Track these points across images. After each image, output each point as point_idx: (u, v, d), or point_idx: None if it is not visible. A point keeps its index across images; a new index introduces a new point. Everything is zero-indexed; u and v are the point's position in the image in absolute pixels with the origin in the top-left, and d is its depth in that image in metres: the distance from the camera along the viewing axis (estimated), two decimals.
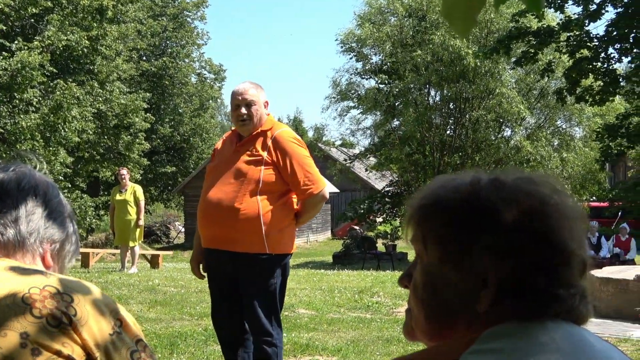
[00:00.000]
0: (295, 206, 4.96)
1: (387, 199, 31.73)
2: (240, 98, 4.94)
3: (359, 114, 33.08)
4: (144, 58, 41.37)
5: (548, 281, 1.26)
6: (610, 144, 24.45)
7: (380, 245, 28.45)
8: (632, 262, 19.45)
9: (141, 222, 14.87)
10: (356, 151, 37.45)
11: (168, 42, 42.65)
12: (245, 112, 4.90)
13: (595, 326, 10.68)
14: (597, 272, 12.80)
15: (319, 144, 45.22)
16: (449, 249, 1.31)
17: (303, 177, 4.87)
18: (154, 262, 17.42)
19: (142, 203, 14.86)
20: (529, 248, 1.26)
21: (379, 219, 32.37)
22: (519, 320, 1.25)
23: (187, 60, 43.28)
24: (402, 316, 10.33)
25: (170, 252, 25.91)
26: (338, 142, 43.27)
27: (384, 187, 33.61)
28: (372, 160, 34.33)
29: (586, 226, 1.34)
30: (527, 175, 1.37)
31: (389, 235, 29.39)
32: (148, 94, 34.57)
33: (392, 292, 12.49)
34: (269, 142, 4.88)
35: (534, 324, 1.24)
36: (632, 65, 24.23)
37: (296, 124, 69.98)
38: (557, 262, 1.27)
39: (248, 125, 4.93)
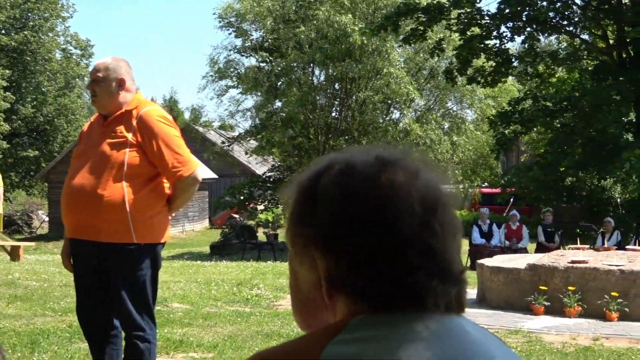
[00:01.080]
0: (168, 191, 4.87)
1: (268, 185, 31.76)
2: (92, 73, 4.91)
3: (238, 94, 33.00)
4: (3, 31, 40.10)
5: (404, 271, 1.26)
6: (505, 131, 25.19)
7: (261, 234, 28.49)
8: (524, 250, 20.16)
9: (0, 211, 14.46)
10: (236, 134, 37.28)
11: (30, 14, 41.34)
12: (94, 88, 4.85)
13: (487, 317, 11.00)
14: (488, 261, 13.18)
15: (196, 126, 44.81)
16: (294, 238, 1.36)
17: (172, 159, 4.76)
18: (14, 254, 16.94)
19: (1, 190, 14.41)
20: (366, 239, 1.26)
21: (260, 207, 32.38)
22: (387, 311, 1.26)
23: (50, 35, 42.13)
24: (283, 309, 10.37)
25: (32, 244, 25.25)
26: (216, 124, 43.05)
27: (266, 173, 33.64)
28: (253, 143, 34.26)
29: (454, 208, 1.34)
30: (388, 156, 1.35)
31: (270, 224, 29.48)
32: (7, 71, 33.57)
33: (273, 284, 12.51)
34: (134, 123, 4.77)
35: (405, 315, 1.26)
36: (525, 45, 25.03)
37: (171, 105, 69.17)
38: (413, 251, 1.26)
39: (97, 103, 4.87)
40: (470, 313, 11.26)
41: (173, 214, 5.04)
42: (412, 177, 1.30)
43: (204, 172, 42.25)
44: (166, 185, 4.85)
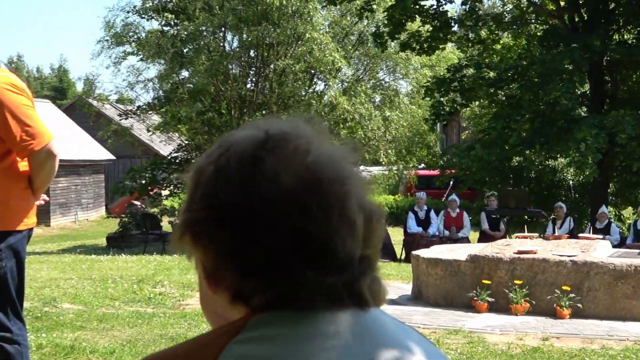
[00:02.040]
0: (27, 169, 4.79)
1: (174, 167, 31.51)
2: None
3: (138, 62, 32.52)
4: None
5: (278, 262, 1.29)
6: (442, 99, 25.41)
7: (166, 224, 28.29)
8: (465, 240, 20.44)
9: None
10: (136, 108, 36.88)
11: None
12: None
13: (423, 316, 11.12)
14: (425, 253, 13.32)
15: (90, 99, 44.18)
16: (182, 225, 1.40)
17: (20, 131, 4.65)
18: None
19: None
20: (235, 227, 1.30)
21: (165, 192, 32.15)
22: (294, 308, 1.30)
23: None
24: (191, 309, 10.33)
25: None
26: (113, 97, 42.43)
27: (171, 153, 33.38)
28: (156, 119, 33.93)
29: (356, 189, 1.36)
30: (277, 131, 1.37)
31: (176, 212, 29.24)
32: None
33: (180, 281, 12.45)
34: None
35: (313, 311, 1.30)
36: (466, 7, 25.23)
37: (61, 75, 68.17)
38: (285, 237, 1.29)
39: None
40: (405, 311, 11.37)
41: (41, 197, 4.95)
42: (294, 155, 1.32)
43: (98, 152, 41.88)
44: (25, 163, 4.77)
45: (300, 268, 1.29)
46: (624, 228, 24.59)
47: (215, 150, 1.39)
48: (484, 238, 19.63)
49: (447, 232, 20.72)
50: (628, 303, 11.35)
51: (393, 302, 12.49)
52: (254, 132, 1.38)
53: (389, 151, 30.48)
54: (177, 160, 32.10)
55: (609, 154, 21.95)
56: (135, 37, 31.92)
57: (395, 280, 15.50)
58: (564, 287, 11.30)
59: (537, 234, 16.02)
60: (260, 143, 1.34)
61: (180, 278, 12.76)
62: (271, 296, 1.30)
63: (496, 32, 26.61)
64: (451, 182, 23.80)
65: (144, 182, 31.05)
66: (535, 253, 11.99)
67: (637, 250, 13.85)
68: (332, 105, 29.44)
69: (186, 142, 32.72)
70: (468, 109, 33.12)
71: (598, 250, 12.40)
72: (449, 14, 25.47)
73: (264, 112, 30.01)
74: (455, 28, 25.95)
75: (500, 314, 11.34)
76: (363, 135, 29.41)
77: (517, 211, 21.19)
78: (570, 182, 24.23)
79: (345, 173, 1.34)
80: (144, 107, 33.31)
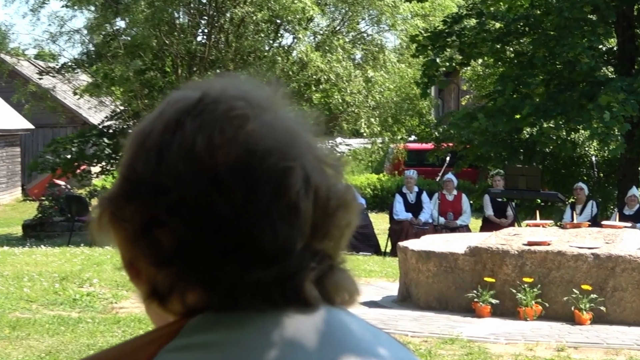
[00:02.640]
0: None
1: (106, 139, 31.41)
2: None
3: (63, 7, 32.35)
4: None
5: (193, 251, 1.30)
6: (437, 59, 25.36)
7: None
8: (465, 228, 20.50)
9: None
10: (60, 66, 36.67)
11: None
12: None
13: (411, 321, 11.16)
14: (415, 244, 13.35)
15: (1, 54, 43.93)
16: None
17: None
18: None
19: None
20: (144, 204, 1.32)
21: (95, 169, 32.04)
22: (236, 309, 1.31)
23: None
24: (125, 313, 10.31)
25: None
26: (31, 52, 42.26)
27: (103, 121, 33.24)
28: (85, 79, 33.78)
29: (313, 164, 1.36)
30: (214, 91, 1.38)
31: None
32: None
33: (113, 279, 12.42)
34: None
35: (257, 313, 1.32)
36: None
37: None
38: (198, 220, 1.30)
39: None
40: (389, 316, 11.42)
41: None
42: (224, 120, 1.32)
43: (12, 120, 41.60)
44: None
45: (218, 260, 1.29)
46: None
47: (150, 115, 1.40)
48: (488, 226, 19.66)
49: (442, 219, 20.78)
50: None
51: (375, 304, 12.52)
52: (190, 93, 1.38)
53: (372, 120, 30.44)
54: (110, 131, 31.96)
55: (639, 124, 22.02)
56: None
57: (379, 278, 15.55)
58: (584, 287, 11.37)
59: (552, 222, 16.07)
60: (189, 106, 1.34)
61: (112, 275, 12.72)
62: (195, 295, 1.31)
63: None
64: (447, 158, 23.69)
65: (69, 157, 30.92)
66: (549, 244, 12.06)
67: None
68: (302, 63, 29.37)
69: (121, 107, 32.57)
70: (469, 68, 33.10)
71: (626, 241, 12.47)
72: None
73: (217, 70, 29.89)
74: None
75: (506, 318, 11.41)
76: (340, 100, 29.38)
77: (528, 194, 21.27)
78: (594, 159, 24.19)
79: (291, 145, 1.33)
80: (69, 64, 33.10)
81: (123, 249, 1.36)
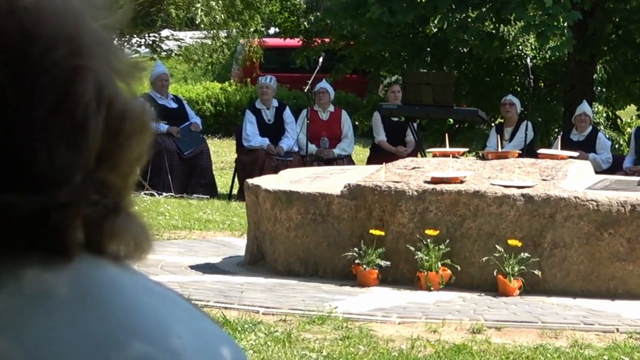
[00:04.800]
0: None
1: None
2: None
3: None
4: None
5: None
6: None
7: None
8: (347, 160, 20.52)
9: None
10: None
11: None
12: None
13: (264, 292, 11.15)
14: (269, 182, 13.29)
15: None
16: None
17: None
18: None
19: None
20: None
21: None
22: None
23: None
24: None
25: None
26: None
27: None
28: None
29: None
30: None
31: None
32: None
33: None
34: None
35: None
36: None
37: None
38: None
39: None
40: (233, 285, 11.40)
41: None
42: None
43: None
44: None
45: None
46: (619, 140, 25.09)
47: None
48: (379, 157, 19.59)
49: (313, 147, 20.73)
50: (619, 268, 11.56)
51: (213, 269, 12.51)
52: None
53: (213, 3, 30.41)
54: None
55: (595, 12, 22.21)
56: None
57: (219, 231, 15.54)
58: (511, 242, 11.43)
59: (466, 149, 16.12)
60: None
61: None
62: None
63: None
64: (321, 60, 23.59)
65: None
66: (462, 182, 12.08)
67: (636, 178, 14.09)
68: None
69: None
70: None
71: (571, 177, 12.56)
72: None
73: None
74: None
75: (401, 288, 11.47)
76: None
77: (437, 111, 21.31)
78: (529, 62, 24.36)
79: (80, 36, 1.27)
80: None
81: None
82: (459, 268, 11.55)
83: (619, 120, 29.61)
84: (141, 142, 1.34)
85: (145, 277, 1.40)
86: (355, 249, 11.74)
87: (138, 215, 1.36)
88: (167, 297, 1.40)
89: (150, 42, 30.92)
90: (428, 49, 25.59)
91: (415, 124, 21.33)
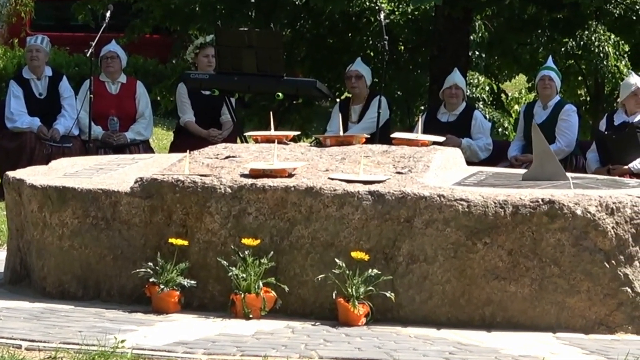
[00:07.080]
0: None
1: None
2: None
3: None
4: None
5: None
6: None
7: None
8: (143, 146, 20.55)
9: None
10: None
11: None
12: None
13: (26, 321, 11.09)
14: (36, 176, 13.24)
15: None
16: None
17: None
18: None
19: None
20: None
21: None
22: None
23: None
24: None
25: None
26: None
27: None
28: None
29: None
30: None
31: None
32: None
33: None
34: None
35: None
36: None
37: None
38: None
39: None
40: None
41: None
42: None
43: None
44: None
45: None
46: (504, 122, 25.48)
47: None
48: (185, 142, 19.71)
49: (98, 130, 20.66)
50: (497, 289, 11.63)
51: None
52: None
53: None
54: None
55: None
56: None
57: None
58: (356, 255, 11.46)
59: (298, 133, 16.12)
60: None
61: None
62: None
63: None
64: (107, 16, 23.50)
65: None
66: (291, 175, 12.10)
67: (523, 170, 14.19)
68: None
69: None
70: None
71: (435, 169, 12.63)
72: None
73: None
74: None
75: (210, 315, 11.46)
76: None
77: (262, 82, 21.30)
78: (383, 18, 24.49)
79: None
80: None
81: None
82: (286, 289, 11.57)
83: (503, 95, 29.94)
84: None
85: None
86: (150, 263, 11.72)
87: None
88: None
89: None
90: (252, 1, 25.69)
91: (233, 100, 21.28)
